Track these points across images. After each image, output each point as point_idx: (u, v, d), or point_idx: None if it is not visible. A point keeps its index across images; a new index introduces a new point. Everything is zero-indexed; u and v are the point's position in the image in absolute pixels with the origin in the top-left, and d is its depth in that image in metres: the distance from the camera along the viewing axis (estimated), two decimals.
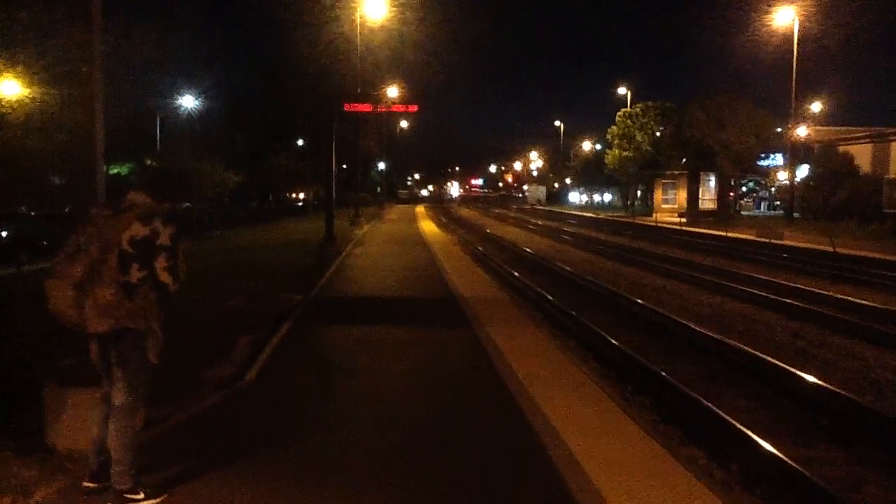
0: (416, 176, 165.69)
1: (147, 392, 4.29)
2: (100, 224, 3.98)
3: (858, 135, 41.07)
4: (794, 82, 36.91)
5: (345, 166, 58.06)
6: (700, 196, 51.11)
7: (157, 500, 4.10)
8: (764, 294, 14.83)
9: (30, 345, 7.31)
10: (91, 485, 4.22)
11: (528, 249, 26.40)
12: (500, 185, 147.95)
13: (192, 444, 5.14)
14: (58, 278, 3.89)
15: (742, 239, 29.21)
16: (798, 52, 36.49)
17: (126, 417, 4.10)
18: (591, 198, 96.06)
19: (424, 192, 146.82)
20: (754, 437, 6.33)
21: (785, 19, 36.85)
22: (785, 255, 23.00)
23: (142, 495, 4.08)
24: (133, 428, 4.14)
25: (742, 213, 54.17)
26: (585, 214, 59.94)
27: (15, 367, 6.37)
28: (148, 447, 4.86)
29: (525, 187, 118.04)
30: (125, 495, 4.05)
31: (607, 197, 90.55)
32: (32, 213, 25.71)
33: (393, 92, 31.96)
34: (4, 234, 20.95)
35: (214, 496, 4.26)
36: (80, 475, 4.48)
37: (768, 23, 37.64)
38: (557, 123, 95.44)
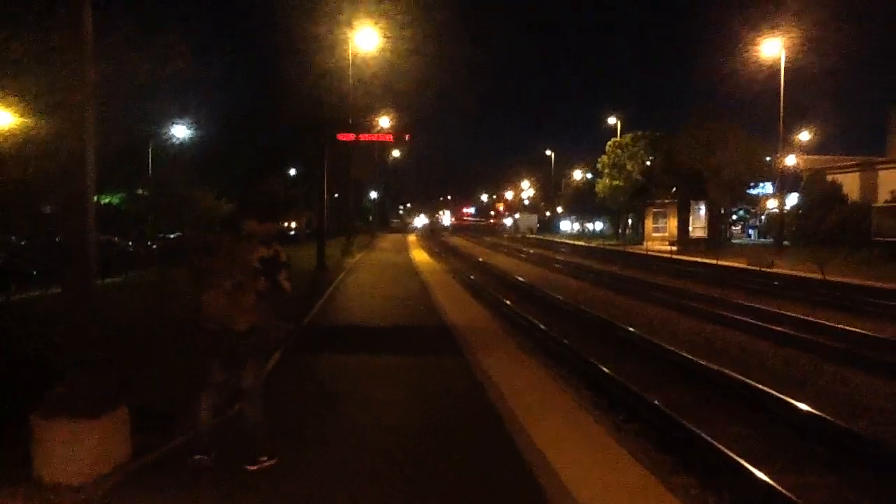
0: (409, 205, 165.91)
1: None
2: (230, 248, 5.03)
3: (846, 164, 41.46)
4: (781, 111, 37.32)
5: (337, 195, 58.09)
6: (690, 224, 51.40)
7: (275, 460, 5.14)
8: (755, 322, 14.85)
9: (18, 373, 7.23)
10: (202, 457, 5.11)
11: (519, 278, 26.41)
12: (493, 213, 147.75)
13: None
14: (214, 290, 4.97)
15: (733, 267, 29.32)
16: (785, 81, 36.97)
17: (255, 396, 5.21)
18: (583, 226, 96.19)
19: (417, 221, 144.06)
20: (746, 464, 6.31)
21: (772, 50, 37.36)
22: (776, 283, 23.09)
23: (265, 457, 5.13)
24: (260, 404, 5.21)
25: (732, 241, 54.35)
26: (577, 243, 60.10)
27: (1, 395, 6.30)
28: (140, 475, 4.83)
29: (517, 216, 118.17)
30: (258, 458, 5.10)
31: (598, 226, 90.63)
32: (23, 242, 25.54)
33: (385, 122, 32.15)
34: None
35: None
36: None
37: (756, 53, 38.12)
38: (548, 153, 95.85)
